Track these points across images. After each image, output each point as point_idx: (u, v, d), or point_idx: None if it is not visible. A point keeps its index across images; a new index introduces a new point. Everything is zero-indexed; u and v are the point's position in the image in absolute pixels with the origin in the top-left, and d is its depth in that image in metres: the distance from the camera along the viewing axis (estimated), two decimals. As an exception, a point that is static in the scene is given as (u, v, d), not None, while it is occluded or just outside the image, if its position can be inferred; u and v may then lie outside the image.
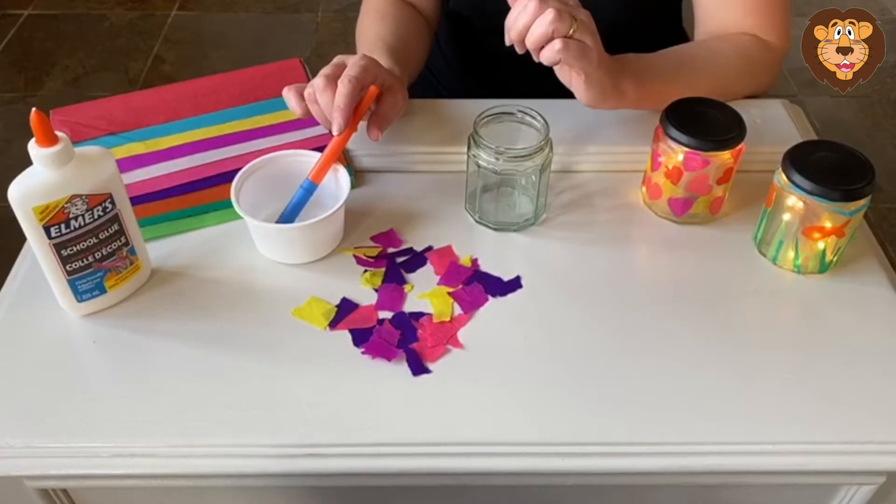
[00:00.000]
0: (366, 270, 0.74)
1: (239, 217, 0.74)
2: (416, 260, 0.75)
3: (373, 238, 0.77)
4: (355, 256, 0.75)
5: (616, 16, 0.91)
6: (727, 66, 0.87)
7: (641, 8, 0.99)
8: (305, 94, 0.77)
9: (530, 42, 0.71)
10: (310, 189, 0.75)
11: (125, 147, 0.82)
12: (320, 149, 0.78)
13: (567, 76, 0.76)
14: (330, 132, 0.75)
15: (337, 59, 0.78)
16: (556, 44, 0.70)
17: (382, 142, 0.85)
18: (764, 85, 0.92)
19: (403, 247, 0.76)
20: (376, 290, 0.72)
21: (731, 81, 0.88)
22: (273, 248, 0.75)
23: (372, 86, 0.76)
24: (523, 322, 0.70)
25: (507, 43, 0.73)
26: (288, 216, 0.75)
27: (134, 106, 0.88)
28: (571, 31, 0.70)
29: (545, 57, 0.71)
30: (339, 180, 0.75)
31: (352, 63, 0.76)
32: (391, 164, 0.83)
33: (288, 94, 0.78)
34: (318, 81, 0.75)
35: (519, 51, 0.73)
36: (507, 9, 0.72)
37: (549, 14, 0.69)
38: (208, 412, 0.63)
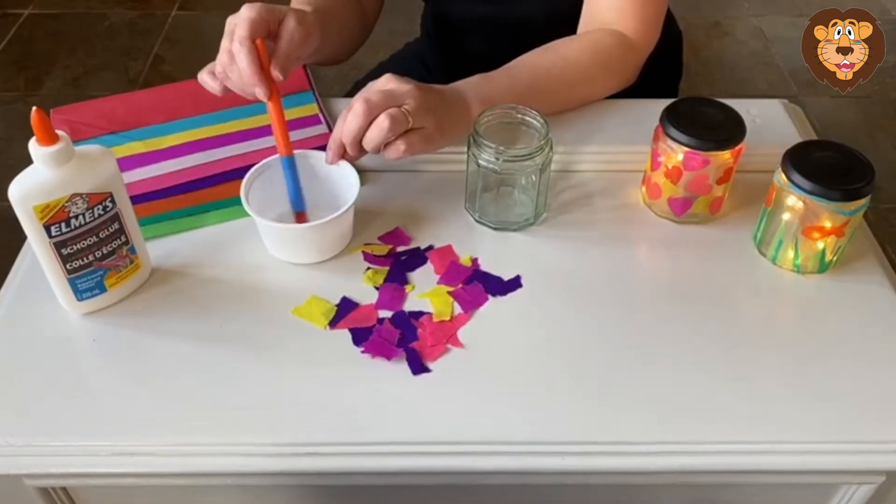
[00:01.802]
0: (368, 268, 0.74)
1: (239, 216, 0.75)
2: (417, 259, 0.75)
3: (380, 238, 0.77)
4: (363, 252, 0.75)
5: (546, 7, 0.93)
6: (585, 77, 0.87)
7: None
8: (217, 72, 0.75)
9: (369, 147, 0.73)
10: (291, 164, 0.74)
11: (125, 146, 0.82)
12: (322, 148, 0.78)
13: None
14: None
15: (228, 23, 0.74)
16: (401, 146, 0.73)
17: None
18: (622, 83, 0.91)
19: (412, 245, 0.76)
20: (377, 289, 0.72)
21: (589, 90, 0.88)
22: (283, 249, 0.75)
23: (257, 39, 0.71)
24: (523, 321, 0.70)
25: (337, 156, 0.75)
26: (295, 200, 0.75)
27: (134, 105, 0.88)
28: (410, 124, 0.72)
29: (391, 157, 0.74)
30: (348, 181, 0.75)
31: (238, 22, 0.72)
32: (391, 164, 0.83)
33: (203, 78, 0.76)
34: (223, 58, 0.73)
35: (353, 155, 0.75)
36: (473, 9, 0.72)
37: (385, 123, 0.71)
38: (208, 411, 0.63)
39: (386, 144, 0.73)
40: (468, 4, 1.01)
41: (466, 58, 1.05)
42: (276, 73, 0.72)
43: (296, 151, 0.76)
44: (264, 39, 0.72)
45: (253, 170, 0.75)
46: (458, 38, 1.07)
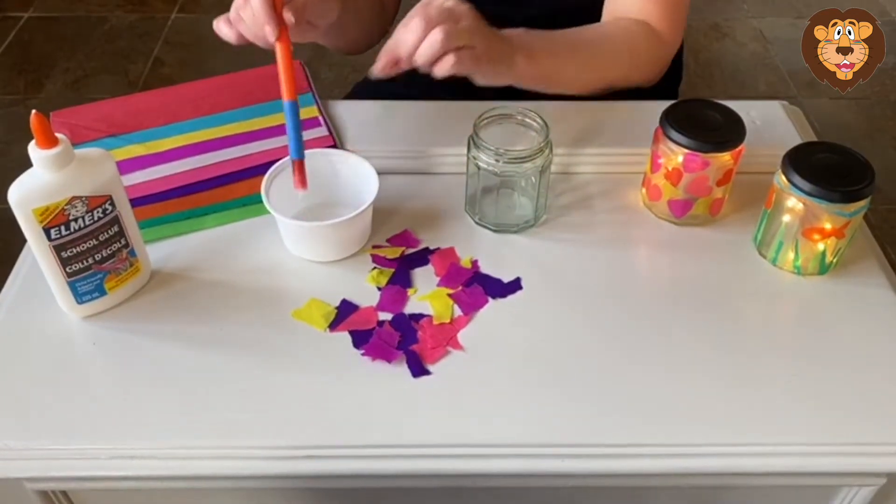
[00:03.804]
0: (374, 268, 0.74)
1: (238, 219, 0.74)
2: (417, 261, 0.75)
3: (389, 240, 0.77)
4: (373, 255, 0.75)
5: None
6: (617, 56, 0.88)
7: None
8: (231, 17, 0.74)
9: (420, 60, 0.71)
10: (293, 108, 0.72)
11: (125, 149, 0.82)
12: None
13: None
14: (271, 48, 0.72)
15: None
16: (450, 59, 0.71)
17: (383, 142, 0.85)
18: (650, 76, 0.92)
19: (421, 247, 0.76)
20: (379, 289, 0.72)
21: (619, 72, 0.89)
22: (304, 247, 0.75)
23: None
24: (523, 323, 0.70)
25: (387, 67, 0.72)
26: (295, 146, 0.73)
27: (134, 108, 0.88)
28: (462, 42, 0.71)
29: (439, 72, 0.72)
30: (367, 179, 0.75)
31: None
32: (393, 166, 0.83)
33: (218, 26, 0.75)
34: (238, 1, 0.73)
35: (405, 67, 0.73)
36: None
37: (437, 35, 0.70)
38: (207, 414, 0.63)
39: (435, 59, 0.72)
40: (474, 3, 1.01)
41: None
42: (287, 16, 0.71)
43: (316, 150, 0.75)
44: None
45: (273, 168, 0.75)
46: None
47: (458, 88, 1.08)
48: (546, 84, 0.84)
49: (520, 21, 0.99)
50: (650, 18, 0.89)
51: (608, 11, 0.92)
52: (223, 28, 0.75)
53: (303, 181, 0.74)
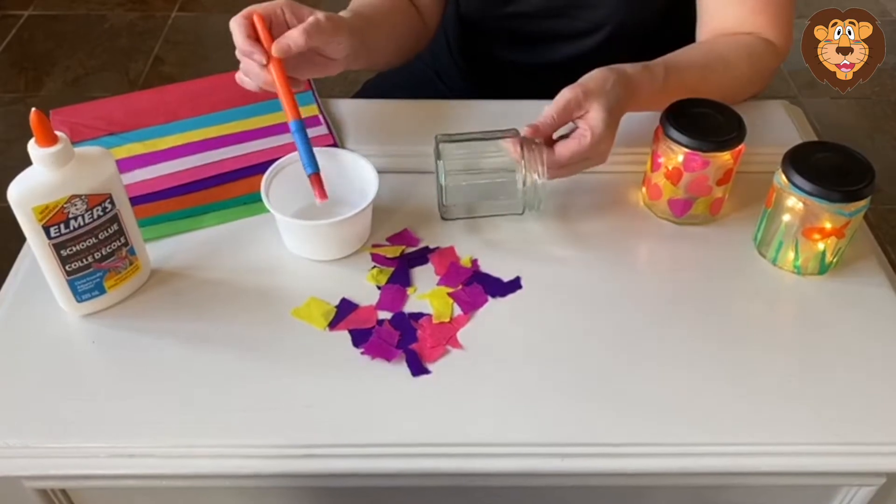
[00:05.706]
0: (374, 266, 0.74)
1: (238, 217, 0.74)
2: (417, 259, 0.75)
3: (388, 239, 0.77)
4: (373, 254, 0.75)
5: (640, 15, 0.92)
6: (740, 72, 0.86)
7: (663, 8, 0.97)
8: (243, 69, 0.76)
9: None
10: (300, 127, 0.73)
11: (125, 147, 0.82)
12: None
13: None
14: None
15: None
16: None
17: (383, 141, 0.85)
18: (764, 87, 0.91)
19: (421, 245, 0.76)
20: (379, 288, 0.72)
21: (742, 87, 0.88)
22: (304, 246, 0.75)
23: (255, 14, 0.73)
24: (523, 323, 0.70)
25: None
26: (308, 162, 0.72)
27: (134, 106, 0.88)
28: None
29: None
30: (367, 177, 0.75)
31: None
32: (393, 165, 0.83)
33: (241, 79, 0.76)
34: (237, 54, 0.74)
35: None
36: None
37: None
38: (207, 412, 0.63)
39: None
40: (523, 20, 0.99)
41: (492, 66, 1.03)
42: (274, 47, 0.71)
43: (316, 149, 0.75)
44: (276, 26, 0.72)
45: (272, 168, 0.75)
46: (487, 47, 1.04)
47: (466, 91, 1.08)
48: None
49: (568, 34, 0.98)
50: (762, 31, 0.86)
51: (708, 29, 0.88)
52: (244, 79, 0.76)
53: (322, 193, 0.73)
